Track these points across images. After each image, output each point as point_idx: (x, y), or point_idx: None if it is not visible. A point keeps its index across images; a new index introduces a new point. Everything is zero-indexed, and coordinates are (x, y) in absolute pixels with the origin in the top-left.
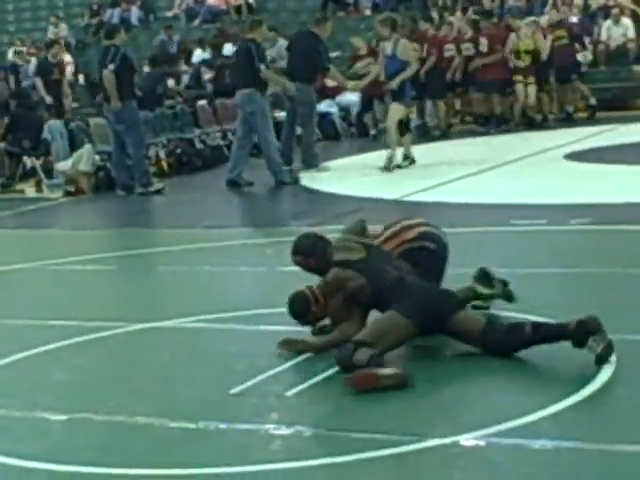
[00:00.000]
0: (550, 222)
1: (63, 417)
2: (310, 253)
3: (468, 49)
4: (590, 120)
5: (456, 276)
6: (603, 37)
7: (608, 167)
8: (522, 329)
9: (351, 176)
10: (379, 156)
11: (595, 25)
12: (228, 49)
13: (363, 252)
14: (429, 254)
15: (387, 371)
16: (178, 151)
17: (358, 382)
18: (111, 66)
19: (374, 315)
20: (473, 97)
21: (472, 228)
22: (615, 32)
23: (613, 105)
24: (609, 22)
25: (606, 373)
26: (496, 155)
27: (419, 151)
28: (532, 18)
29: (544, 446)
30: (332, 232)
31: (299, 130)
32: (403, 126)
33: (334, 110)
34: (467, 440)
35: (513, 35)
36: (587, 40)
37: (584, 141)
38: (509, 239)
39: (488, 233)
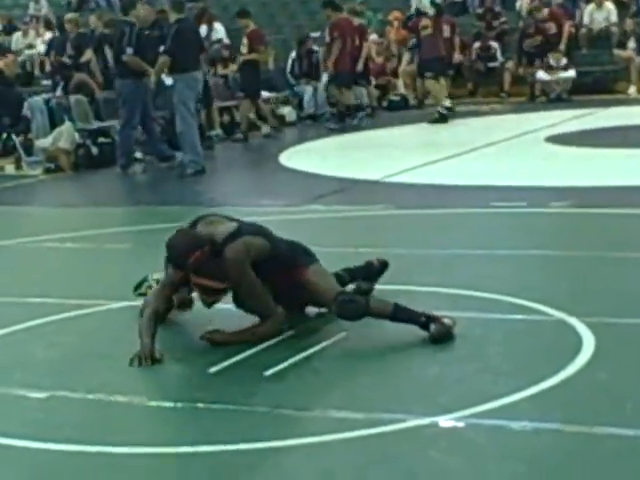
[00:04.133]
0: (530, 205)
1: (42, 395)
2: (192, 248)
3: None
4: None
5: (430, 257)
6: (586, 21)
7: (589, 150)
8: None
9: (331, 156)
10: (359, 137)
11: (577, 9)
12: None
13: (232, 221)
14: None
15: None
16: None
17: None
18: (129, 50)
19: None
20: None
21: (452, 209)
22: (598, 16)
23: (594, 89)
24: (592, 6)
25: (585, 355)
26: (477, 137)
27: (400, 133)
28: None
29: (524, 427)
30: (312, 212)
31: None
32: None
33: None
34: (446, 421)
35: None
36: (568, 24)
37: (565, 124)
38: (489, 221)
39: (468, 215)
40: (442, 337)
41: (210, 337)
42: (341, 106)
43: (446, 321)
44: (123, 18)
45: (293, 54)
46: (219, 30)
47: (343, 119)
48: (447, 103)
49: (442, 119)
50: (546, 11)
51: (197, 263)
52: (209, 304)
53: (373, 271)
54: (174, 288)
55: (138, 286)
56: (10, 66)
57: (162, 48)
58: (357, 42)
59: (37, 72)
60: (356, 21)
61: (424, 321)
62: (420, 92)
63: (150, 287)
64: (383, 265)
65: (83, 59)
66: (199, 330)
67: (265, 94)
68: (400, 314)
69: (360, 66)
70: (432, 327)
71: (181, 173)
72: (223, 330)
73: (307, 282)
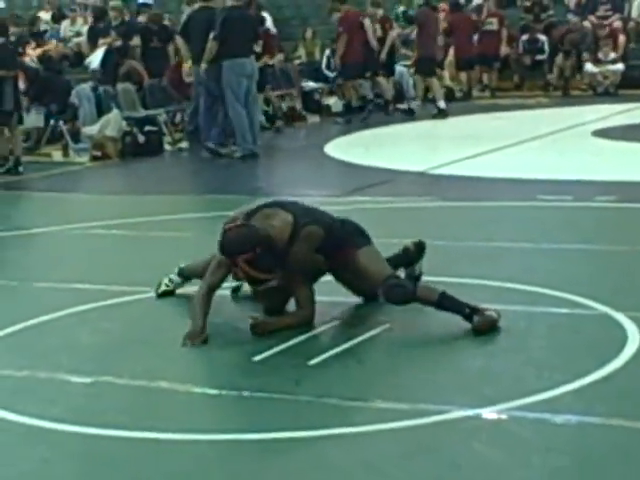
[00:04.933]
0: (576, 199)
1: (87, 380)
2: (245, 248)
3: None
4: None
5: (475, 249)
6: (634, 14)
7: (636, 145)
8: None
9: (376, 147)
10: (406, 128)
11: (626, 2)
12: None
13: (287, 211)
14: None
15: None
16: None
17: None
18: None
19: None
20: None
21: (497, 202)
22: None
23: None
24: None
25: (630, 349)
26: (524, 130)
27: (446, 124)
28: None
29: (568, 421)
30: (355, 203)
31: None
32: None
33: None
34: (490, 413)
35: None
36: (616, 17)
37: (612, 118)
38: (534, 214)
39: (513, 208)
40: (484, 329)
41: (255, 329)
42: (347, 100)
43: (490, 313)
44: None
45: (327, 52)
46: (267, 20)
47: (350, 113)
48: (441, 105)
49: (441, 114)
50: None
51: (248, 261)
52: (254, 287)
53: (412, 255)
54: (229, 269)
55: (158, 287)
56: (56, 52)
57: (211, 34)
58: (380, 33)
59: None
60: (379, 12)
61: (468, 312)
62: (466, 84)
63: (171, 281)
64: (419, 247)
65: (132, 44)
66: (243, 318)
67: (311, 84)
68: (446, 302)
69: (383, 56)
70: (475, 319)
71: (231, 155)
72: (262, 320)
73: (356, 264)
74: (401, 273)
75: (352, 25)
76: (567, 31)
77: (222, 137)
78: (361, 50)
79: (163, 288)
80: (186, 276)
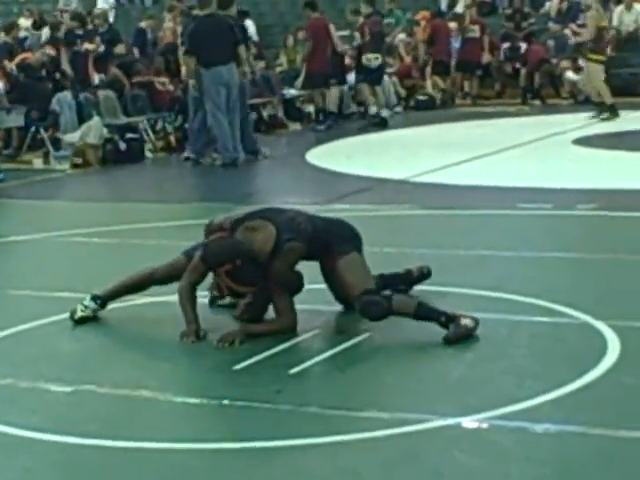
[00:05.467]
0: (556, 207)
1: (68, 389)
2: (229, 258)
3: None
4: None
5: (456, 258)
6: (615, 23)
7: (616, 153)
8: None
9: (357, 155)
10: (385, 136)
11: (607, 11)
12: None
13: (270, 222)
14: None
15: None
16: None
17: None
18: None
19: None
20: None
21: (478, 211)
22: (627, 18)
23: (623, 91)
24: (621, 8)
25: (610, 359)
26: (505, 138)
27: (428, 133)
28: None
29: (547, 430)
30: (338, 212)
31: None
32: None
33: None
34: (471, 422)
35: None
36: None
37: (592, 126)
38: (515, 223)
39: (494, 216)
40: (456, 339)
41: (223, 343)
42: (317, 107)
43: (466, 322)
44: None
45: None
46: (249, 27)
47: (325, 121)
48: (373, 110)
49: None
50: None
51: (228, 272)
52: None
53: (413, 279)
54: (205, 273)
55: (74, 312)
56: (35, 60)
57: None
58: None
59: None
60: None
61: (444, 320)
62: (448, 90)
63: (85, 307)
64: (423, 275)
65: (117, 52)
66: (223, 326)
67: (292, 92)
68: (422, 313)
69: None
70: (450, 328)
71: (212, 164)
72: (235, 330)
73: (336, 271)
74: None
75: (317, 33)
76: (541, 61)
77: (204, 148)
78: (327, 59)
79: (80, 314)
80: (102, 301)
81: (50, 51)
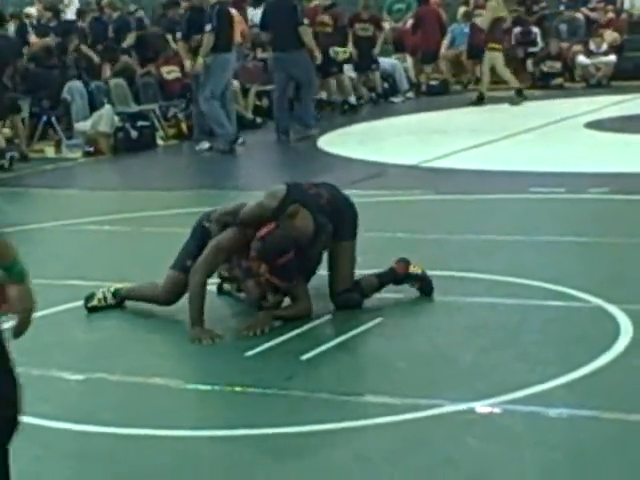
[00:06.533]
0: (569, 191)
1: (80, 377)
2: (289, 247)
3: None
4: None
5: (468, 242)
6: (626, 6)
7: (628, 137)
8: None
9: (369, 141)
10: (400, 121)
11: None
12: None
13: (303, 208)
14: None
15: None
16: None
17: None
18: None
19: None
20: None
21: (490, 195)
22: (638, 2)
23: (635, 74)
24: None
25: (623, 342)
26: (516, 123)
27: (440, 118)
28: None
29: (560, 414)
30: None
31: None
32: None
33: None
34: (482, 407)
35: None
36: (609, 8)
37: (604, 110)
38: (527, 207)
39: (506, 200)
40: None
41: (250, 332)
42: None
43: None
44: None
45: None
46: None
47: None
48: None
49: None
50: None
51: (273, 267)
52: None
53: (398, 278)
54: (229, 255)
55: (90, 298)
56: (45, 48)
57: (207, 27)
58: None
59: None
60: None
61: (400, 278)
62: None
63: (104, 298)
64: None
65: (126, 43)
66: (234, 313)
67: None
68: (384, 280)
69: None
70: (413, 284)
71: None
72: (255, 320)
73: (336, 253)
74: None
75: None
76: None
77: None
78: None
79: (95, 303)
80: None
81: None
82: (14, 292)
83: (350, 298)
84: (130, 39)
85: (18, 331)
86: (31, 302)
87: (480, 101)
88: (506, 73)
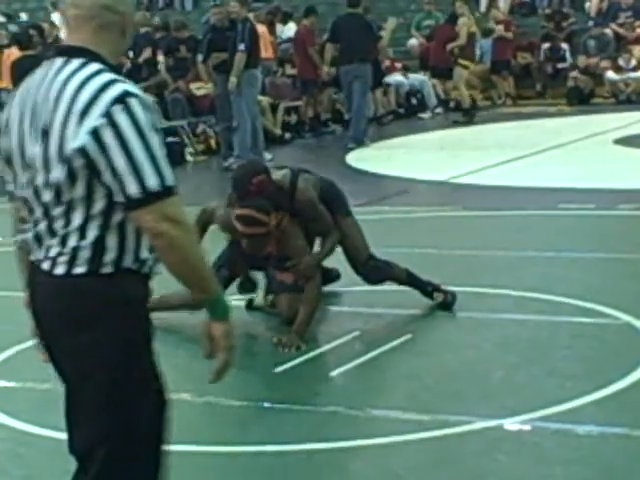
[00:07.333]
0: (598, 207)
1: None
2: (254, 173)
3: None
4: None
5: (497, 259)
6: None
7: None
8: (398, 268)
9: (397, 156)
10: (426, 137)
11: None
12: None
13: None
14: None
15: None
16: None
17: None
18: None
19: None
20: None
21: (519, 211)
22: None
23: None
24: None
25: None
26: (545, 139)
27: (468, 133)
28: None
29: (590, 432)
30: (378, 213)
31: None
32: None
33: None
34: (512, 424)
35: None
36: (637, 24)
37: (633, 126)
38: (556, 223)
39: (535, 217)
40: (453, 302)
41: (288, 347)
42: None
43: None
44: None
45: None
46: (292, 29)
47: (313, 129)
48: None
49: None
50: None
51: (260, 186)
52: (252, 248)
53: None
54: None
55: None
56: None
57: (241, 47)
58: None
59: None
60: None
61: (429, 290)
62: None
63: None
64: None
65: (142, 58)
66: (262, 329)
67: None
68: (412, 280)
69: None
70: (436, 295)
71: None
72: (289, 333)
73: (344, 231)
74: None
75: (305, 40)
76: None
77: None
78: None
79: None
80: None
81: None
82: (219, 330)
83: (375, 266)
84: (146, 53)
85: (221, 371)
86: (233, 340)
87: (467, 115)
88: (462, 90)
